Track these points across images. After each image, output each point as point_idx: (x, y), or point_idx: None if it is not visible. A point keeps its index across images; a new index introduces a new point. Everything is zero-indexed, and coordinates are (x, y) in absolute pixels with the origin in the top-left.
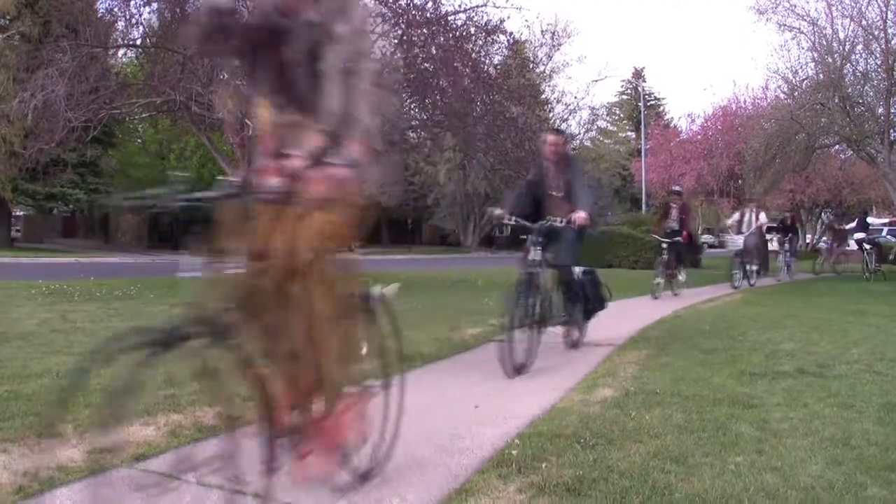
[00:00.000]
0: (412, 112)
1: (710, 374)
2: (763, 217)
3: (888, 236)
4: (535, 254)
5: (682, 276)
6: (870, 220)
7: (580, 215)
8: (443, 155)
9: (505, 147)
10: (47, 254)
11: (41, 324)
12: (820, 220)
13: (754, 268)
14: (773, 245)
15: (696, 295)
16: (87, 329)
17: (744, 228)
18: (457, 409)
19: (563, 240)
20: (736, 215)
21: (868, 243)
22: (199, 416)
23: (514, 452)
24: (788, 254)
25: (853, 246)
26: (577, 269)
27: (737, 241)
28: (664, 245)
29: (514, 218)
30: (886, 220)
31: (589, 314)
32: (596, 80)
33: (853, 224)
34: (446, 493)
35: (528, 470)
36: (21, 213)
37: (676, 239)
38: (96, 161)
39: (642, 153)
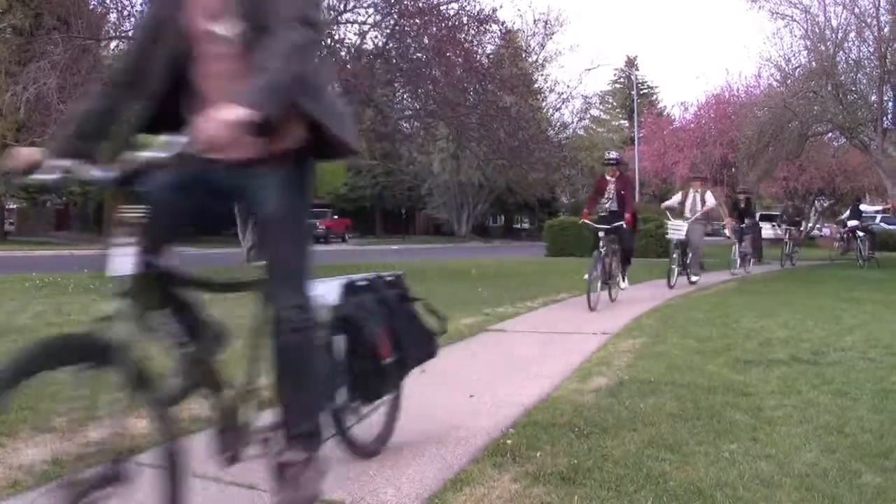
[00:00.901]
0: (405, 102)
1: (704, 362)
2: (710, 200)
3: (882, 223)
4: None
5: (623, 284)
6: (863, 207)
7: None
8: (436, 145)
9: (498, 136)
10: (41, 246)
11: (36, 317)
12: (813, 208)
13: (694, 271)
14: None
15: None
16: (82, 322)
17: (687, 212)
18: (451, 398)
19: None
20: (677, 196)
21: (861, 230)
22: (193, 408)
23: (508, 441)
24: (791, 244)
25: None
26: None
27: (678, 228)
28: (601, 234)
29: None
30: (880, 208)
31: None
32: (589, 69)
33: (847, 212)
34: (441, 482)
35: (522, 459)
36: (14, 206)
37: (617, 224)
38: None
39: (635, 142)
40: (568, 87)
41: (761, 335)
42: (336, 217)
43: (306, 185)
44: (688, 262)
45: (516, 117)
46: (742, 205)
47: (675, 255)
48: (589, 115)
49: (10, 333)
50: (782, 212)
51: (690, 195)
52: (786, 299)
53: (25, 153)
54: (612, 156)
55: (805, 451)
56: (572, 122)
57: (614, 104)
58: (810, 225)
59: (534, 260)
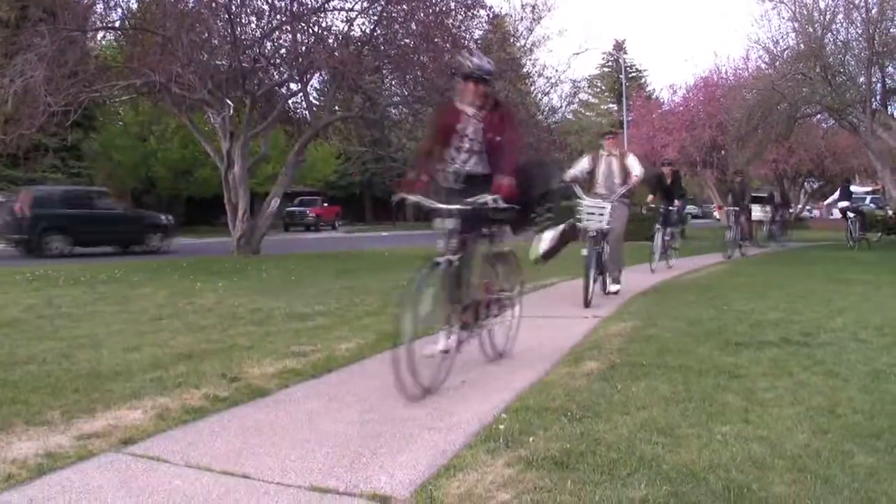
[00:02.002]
0: (393, 88)
1: (695, 344)
2: (636, 167)
3: (871, 205)
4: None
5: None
6: (853, 188)
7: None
8: (425, 131)
9: None
10: None
11: (27, 310)
12: (803, 190)
13: (613, 276)
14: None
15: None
16: (73, 314)
17: (601, 188)
18: (444, 384)
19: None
20: (583, 162)
21: (852, 212)
22: (185, 398)
23: (501, 427)
24: (776, 226)
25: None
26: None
27: (598, 212)
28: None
29: None
30: (869, 189)
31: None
32: (577, 53)
33: (836, 195)
34: (435, 468)
35: (515, 444)
36: (3, 199)
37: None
38: (78, 145)
39: (624, 125)
40: (556, 71)
41: (752, 317)
42: (326, 205)
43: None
44: (604, 262)
45: (505, 102)
46: (737, 188)
47: (590, 255)
48: (578, 100)
49: (2, 326)
50: (767, 196)
51: (603, 161)
52: (776, 281)
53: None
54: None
55: (797, 433)
56: (561, 107)
57: (603, 88)
58: (800, 207)
59: (524, 244)
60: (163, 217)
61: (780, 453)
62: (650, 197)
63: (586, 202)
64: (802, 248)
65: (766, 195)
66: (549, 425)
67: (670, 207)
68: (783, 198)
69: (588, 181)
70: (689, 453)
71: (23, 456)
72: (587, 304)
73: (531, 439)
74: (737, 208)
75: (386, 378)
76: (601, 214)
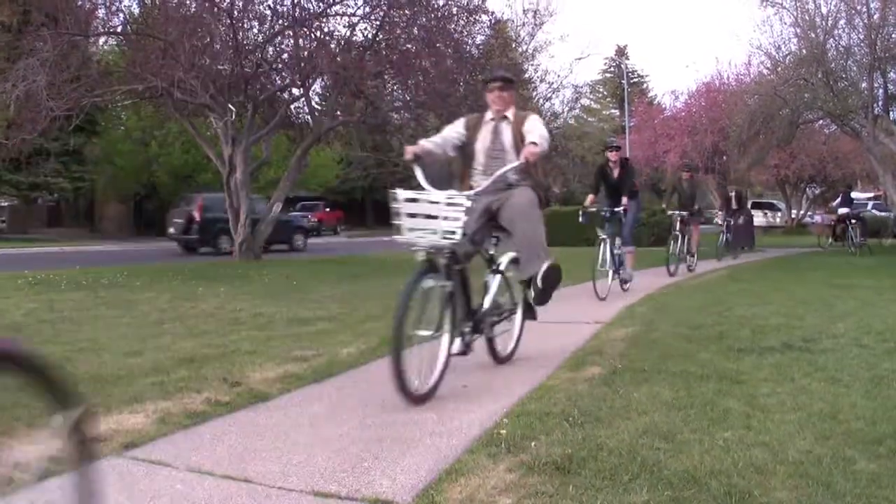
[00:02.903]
0: (395, 93)
1: (697, 349)
2: (536, 128)
3: (873, 210)
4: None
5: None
6: (854, 194)
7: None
8: (427, 136)
9: None
10: (33, 244)
11: (28, 314)
12: (805, 195)
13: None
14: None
15: None
16: (74, 318)
17: (476, 168)
18: (445, 389)
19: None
20: (436, 139)
21: (852, 218)
22: (187, 402)
23: (502, 432)
24: (731, 234)
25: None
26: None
27: (450, 222)
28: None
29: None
30: (871, 195)
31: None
32: (579, 59)
33: (838, 200)
34: (436, 473)
35: (517, 449)
36: (5, 203)
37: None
38: (80, 149)
39: (626, 131)
40: (558, 76)
41: (754, 323)
42: (328, 210)
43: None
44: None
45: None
46: (734, 203)
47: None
48: (579, 105)
49: (3, 330)
50: (723, 198)
51: (486, 129)
52: (778, 287)
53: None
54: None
55: (799, 439)
56: (563, 112)
57: (605, 93)
58: (801, 212)
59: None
60: (304, 221)
61: (782, 459)
62: (589, 198)
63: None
64: (803, 254)
65: (732, 194)
66: (550, 430)
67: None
68: (739, 200)
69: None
70: (690, 459)
71: (24, 460)
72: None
73: (533, 444)
74: (684, 213)
75: (387, 383)
76: (446, 217)
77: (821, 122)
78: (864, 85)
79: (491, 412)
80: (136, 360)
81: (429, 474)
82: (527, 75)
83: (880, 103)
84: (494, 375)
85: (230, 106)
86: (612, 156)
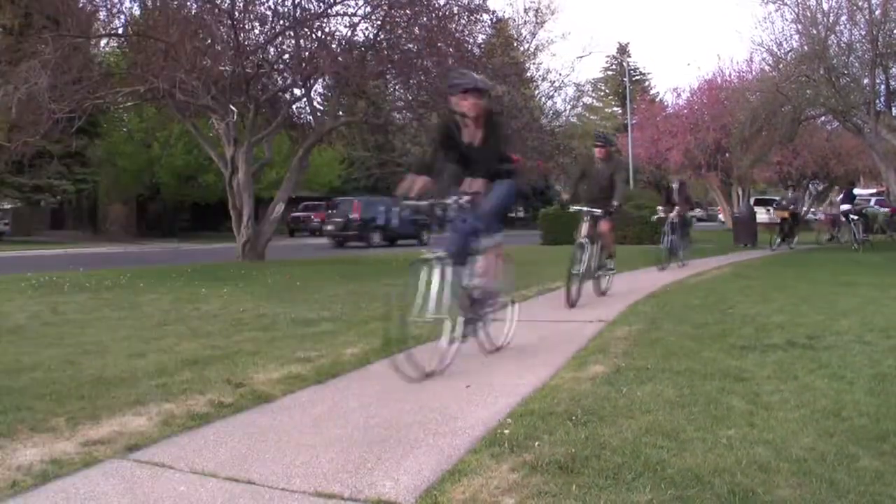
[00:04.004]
0: (397, 93)
1: (700, 348)
2: None
3: (876, 206)
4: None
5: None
6: (857, 191)
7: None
8: (429, 135)
9: None
10: (36, 246)
11: (32, 317)
12: (808, 192)
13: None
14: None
15: None
16: (77, 321)
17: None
18: (448, 389)
19: None
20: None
21: (855, 214)
22: (190, 404)
23: (506, 431)
24: (673, 236)
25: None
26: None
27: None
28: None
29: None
30: (874, 191)
31: None
32: (581, 57)
33: (840, 196)
34: (439, 473)
35: (520, 449)
36: (9, 206)
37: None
38: (82, 151)
39: (628, 128)
40: (560, 75)
41: (757, 320)
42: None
43: None
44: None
45: (508, 106)
46: (675, 196)
47: None
48: (582, 103)
49: (7, 333)
50: (664, 194)
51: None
52: (781, 284)
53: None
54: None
55: (802, 436)
56: (565, 111)
57: (607, 91)
58: (805, 209)
59: (529, 248)
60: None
61: (786, 456)
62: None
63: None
64: (805, 251)
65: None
66: (553, 430)
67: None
68: (682, 193)
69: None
70: (693, 457)
71: (28, 462)
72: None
73: (536, 444)
74: (596, 210)
75: (391, 383)
76: None
77: (823, 118)
78: (866, 81)
79: (494, 412)
80: (139, 362)
81: (432, 475)
82: (528, 74)
83: (882, 99)
84: (497, 375)
85: (232, 107)
86: (600, 153)
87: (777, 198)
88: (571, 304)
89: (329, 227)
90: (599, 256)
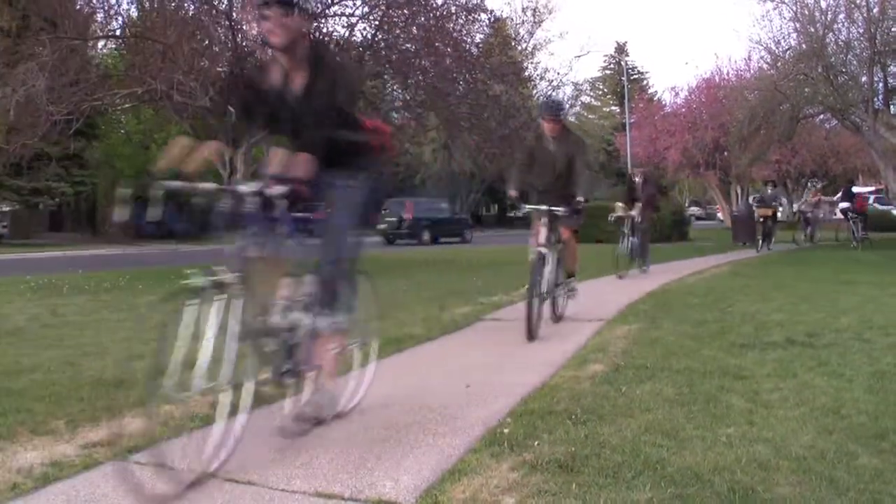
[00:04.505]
0: (395, 93)
1: (699, 346)
2: None
3: (875, 204)
4: None
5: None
6: (856, 189)
7: None
8: (427, 135)
9: (489, 125)
10: (35, 249)
11: (31, 319)
12: (806, 190)
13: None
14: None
15: None
16: (77, 322)
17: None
18: (448, 388)
19: None
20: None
21: (854, 212)
22: (190, 405)
23: (505, 431)
24: (634, 238)
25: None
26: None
27: None
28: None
29: None
30: (872, 189)
31: None
32: (578, 56)
33: (839, 194)
34: (439, 473)
35: (520, 448)
36: (7, 208)
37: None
38: (80, 153)
39: (627, 127)
40: (558, 74)
41: (756, 318)
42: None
43: None
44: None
45: (507, 106)
46: (639, 192)
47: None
48: (580, 102)
49: (6, 335)
50: (627, 186)
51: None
52: (780, 282)
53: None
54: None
55: (802, 434)
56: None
57: (605, 90)
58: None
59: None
60: (470, 218)
61: (785, 454)
62: (619, 208)
63: None
64: (805, 249)
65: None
66: (553, 429)
67: (633, 213)
68: (645, 190)
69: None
70: (693, 455)
71: (28, 465)
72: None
73: (536, 443)
74: (557, 209)
75: (389, 384)
76: None
77: (821, 116)
78: (864, 79)
79: (494, 411)
80: (139, 364)
81: (432, 474)
82: (527, 73)
83: (880, 97)
84: (497, 374)
85: (230, 108)
86: (551, 127)
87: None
88: (532, 335)
89: (382, 226)
90: (556, 274)
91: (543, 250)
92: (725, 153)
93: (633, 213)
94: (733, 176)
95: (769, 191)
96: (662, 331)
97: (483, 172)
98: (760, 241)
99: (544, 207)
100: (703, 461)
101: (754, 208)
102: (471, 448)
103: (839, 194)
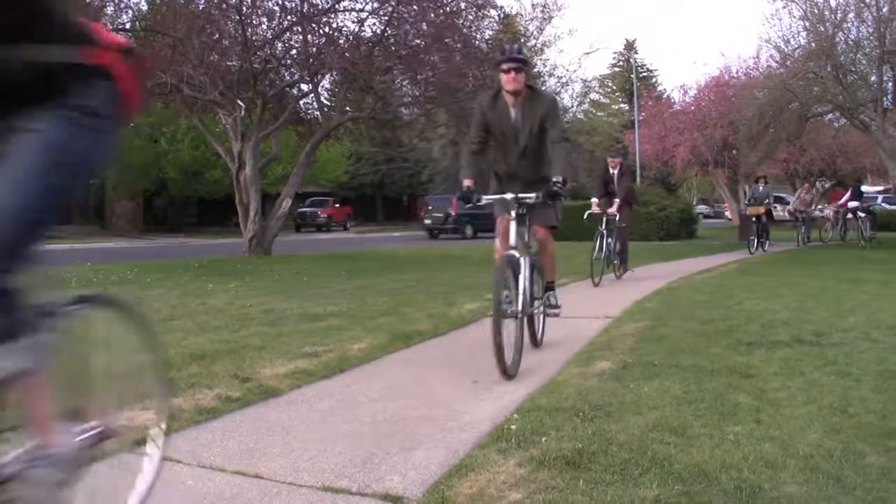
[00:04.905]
0: (405, 89)
1: (706, 344)
2: None
3: (883, 203)
4: None
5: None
6: (864, 188)
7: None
8: (436, 131)
9: None
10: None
11: None
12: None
13: None
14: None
15: None
16: None
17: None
18: (455, 384)
19: None
20: None
21: (862, 211)
22: (198, 398)
23: (513, 427)
24: (609, 240)
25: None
26: None
27: None
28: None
29: None
30: (881, 188)
31: None
32: (588, 53)
33: (848, 194)
34: (446, 468)
35: (527, 444)
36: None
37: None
38: None
39: (635, 125)
40: (567, 71)
41: (764, 317)
42: (338, 205)
43: None
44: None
45: None
46: (614, 184)
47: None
48: (589, 100)
49: None
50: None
51: None
52: (787, 281)
53: None
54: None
55: (809, 433)
56: (572, 107)
57: (614, 88)
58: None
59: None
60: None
61: (792, 453)
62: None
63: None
64: (812, 248)
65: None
66: (560, 425)
67: (609, 211)
68: (621, 183)
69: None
70: (700, 453)
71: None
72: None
73: (543, 439)
74: (528, 196)
75: (398, 378)
76: None
77: (830, 115)
78: (873, 78)
79: (501, 407)
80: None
81: (439, 469)
82: (536, 70)
83: (889, 96)
84: None
85: (239, 102)
86: (511, 80)
87: (783, 195)
88: (507, 371)
89: (428, 221)
90: (532, 281)
91: (515, 254)
92: (734, 151)
93: (612, 210)
94: (742, 174)
95: (760, 187)
96: (669, 328)
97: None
98: (755, 242)
99: (510, 196)
100: (711, 459)
101: (745, 206)
102: (478, 443)
103: (848, 193)
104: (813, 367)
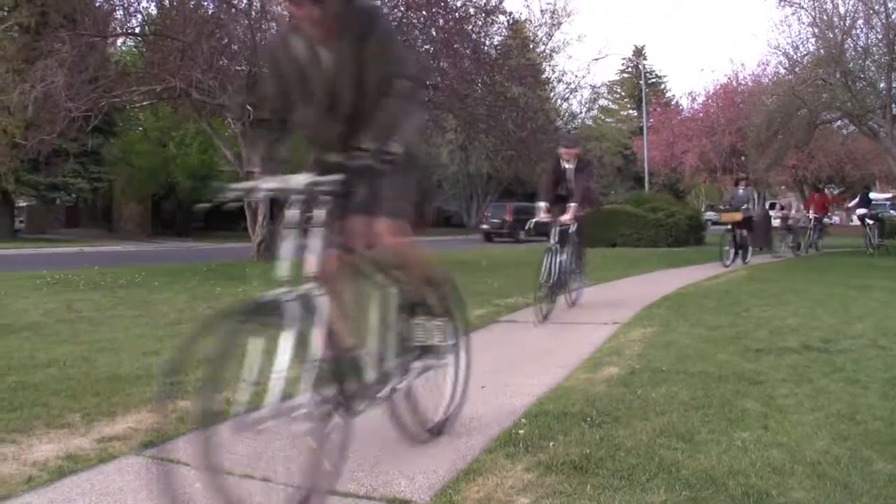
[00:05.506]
0: None
1: (714, 350)
2: None
3: (891, 210)
4: None
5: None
6: (873, 195)
7: None
8: (445, 136)
9: (506, 127)
10: (51, 244)
11: (47, 314)
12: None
13: None
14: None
15: None
16: (92, 318)
17: None
18: None
19: None
20: None
21: (870, 218)
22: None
23: (521, 431)
24: (562, 257)
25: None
26: None
27: None
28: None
29: None
30: (889, 195)
31: None
32: (596, 59)
33: (856, 200)
34: (454, 472)
35: (535, 448)
36: (24, 203)
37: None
38: (98, 150)
39: (644, 131)
40: (576, 77)
41: (771, 323)
42: None
43: None
44: None
45: (524, 108)
46: (568, 182)
47: None
48: (597, 106)
49: (23, 330)
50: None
51: None
52: (795, 288)
53: None
54: None
55: (816, 439)
56: (581, 113)
57: (622, 94)
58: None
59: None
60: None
61: (800, 459)
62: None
63: None
64: (820, 255)
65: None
66: (568, 430)
67: (564, 219)
68: (579, 182)
69: None
70: (708, 459)
71: (44, 458)
72: None
73: (551, 444)
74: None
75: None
76: None
77: (839, 122)
78: (882, 85)
79: (509, 412)
80: (153, 360)
81: (447, 474)
82: (544, 76)
83: None
84: (512, 376)
85: (248, 106)
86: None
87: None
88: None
89: (485, 226)
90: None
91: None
92: (742, 158)
93: (565, 217)
94: (750, 181)
95: (740, 191)
96: (677, 334)
97: (500, 175)
98: (731, 253)
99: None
100: (718, 465)
101: (720, 212)
102: (486, 448)
103: (856, 200)
104: (821, 373)
